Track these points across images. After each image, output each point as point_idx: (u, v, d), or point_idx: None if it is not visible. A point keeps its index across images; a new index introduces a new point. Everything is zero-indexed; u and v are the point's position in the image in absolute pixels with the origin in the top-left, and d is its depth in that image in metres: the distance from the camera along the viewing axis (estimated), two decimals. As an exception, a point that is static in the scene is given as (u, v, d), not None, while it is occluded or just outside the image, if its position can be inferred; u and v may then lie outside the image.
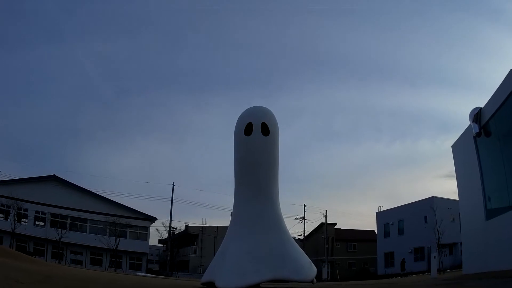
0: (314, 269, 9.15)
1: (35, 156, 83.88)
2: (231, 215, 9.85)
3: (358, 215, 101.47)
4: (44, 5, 78.11)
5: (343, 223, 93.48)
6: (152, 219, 52.04)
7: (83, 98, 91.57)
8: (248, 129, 9.21)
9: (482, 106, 15.87)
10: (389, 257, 46.01)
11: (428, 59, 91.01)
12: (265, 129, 9.20)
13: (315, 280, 9.28)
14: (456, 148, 19.81)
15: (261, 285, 8.47)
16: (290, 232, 10.26)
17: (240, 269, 8.33)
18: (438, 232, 30.95)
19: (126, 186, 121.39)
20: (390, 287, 14.22)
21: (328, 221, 54.95)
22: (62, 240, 41.23)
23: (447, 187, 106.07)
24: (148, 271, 47.53)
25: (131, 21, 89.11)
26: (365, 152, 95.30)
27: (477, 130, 15.91)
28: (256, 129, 9.15)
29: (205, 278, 9.51)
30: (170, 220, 50.69)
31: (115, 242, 42.42)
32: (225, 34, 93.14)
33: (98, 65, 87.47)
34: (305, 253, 9.55)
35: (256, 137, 9.16)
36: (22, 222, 42.40)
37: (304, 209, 55.39)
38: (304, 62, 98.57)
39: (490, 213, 15.31)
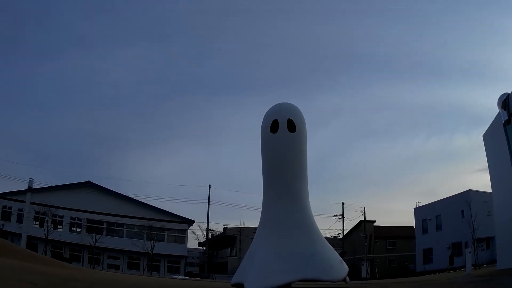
0: (344, 268, 8.89)
1: (70, 163, 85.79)
2: None
3: (397, 212, 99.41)
4: (74, 14, 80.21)
5: (382, 220, 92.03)
6: (190, 222, 52.36)
7: (117, 104, 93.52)
8: (274, 126, 9.06)
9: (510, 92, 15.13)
10: (428, 253, 44.75)
11: (461, 53, 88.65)
12: (292, 126, 9.03)
13: (348, 279, 9.05)
14: (487, 137, 18.98)
15: (292, 285, 8.32)
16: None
17: (268, 270, 8.28)
18: (473, 226, 29.80)
19: (163, 190, 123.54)
20: (420, 285, 13.75)
21: (367, 219, 54.32)
22: (99, 245, 42.12)
23: (485, 181, 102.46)
24: (188, 274, 48.01)
25: (161, 26, 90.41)
26: (402, 149, 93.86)
27: (506, 117, 15.17)
28: (282, 126, 9.01)
29: (235, 279, 9.49)
30: (208, 222, 50.92)
31: (151, 246, 42.89)
32: (258, 35, 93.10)
33: (130, 71, 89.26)
34: (336, 252, 9.32)
35: (282, 134, 9.00)
36: (57, 229, 43.50)
37: (343, 207, 54.91)
38: (340, 60, 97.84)
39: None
